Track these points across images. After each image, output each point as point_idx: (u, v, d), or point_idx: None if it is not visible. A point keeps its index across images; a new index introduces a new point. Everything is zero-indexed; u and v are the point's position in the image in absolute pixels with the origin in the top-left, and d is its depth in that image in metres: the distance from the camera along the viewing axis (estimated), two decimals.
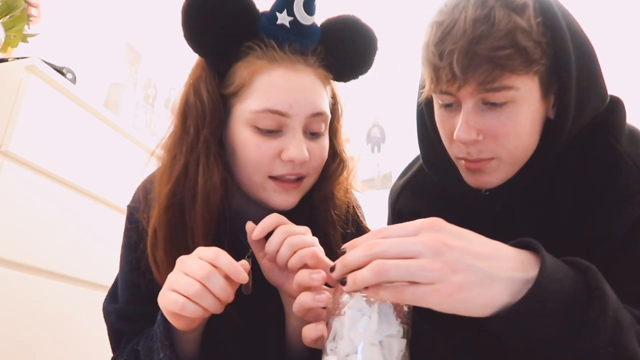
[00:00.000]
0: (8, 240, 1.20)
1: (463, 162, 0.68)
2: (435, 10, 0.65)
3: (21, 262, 1.24)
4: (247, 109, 0.67)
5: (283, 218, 0.65)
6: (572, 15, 0.67)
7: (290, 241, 0.61)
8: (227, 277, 0.57)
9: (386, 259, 0.46)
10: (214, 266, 0.56)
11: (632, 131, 0.69)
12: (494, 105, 0.62)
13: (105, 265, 1.44)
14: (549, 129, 0.67)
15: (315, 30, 0.72)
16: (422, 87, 0.70)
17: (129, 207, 0.79)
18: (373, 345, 0.47)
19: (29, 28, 1.51)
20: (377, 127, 3.05)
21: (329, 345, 0.50)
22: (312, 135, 0.71)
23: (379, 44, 0.78)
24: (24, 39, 1.49)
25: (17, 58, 1.35)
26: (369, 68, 0.79)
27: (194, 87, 0.71)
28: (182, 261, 0.59)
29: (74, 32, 2.06)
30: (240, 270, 0.57)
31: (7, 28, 1.41)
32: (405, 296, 0.45)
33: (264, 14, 0.70)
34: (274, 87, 0.67)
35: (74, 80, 1.48)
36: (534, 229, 0.70)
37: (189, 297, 0.55)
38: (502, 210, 0.73)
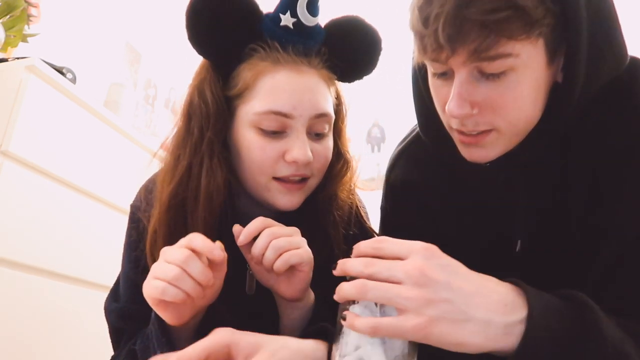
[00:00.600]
0: (8, 239, 1.20)
1: (457, 135, 0.61)
2: None
3: (21, 262, 1.24)
4: (251, 111, 0.68)
5: (269, 221, 0.65)
6: None
7: (275, 244, 0.62)
8: (211, 263, 0.59)
9: (375, 280, 0.47)
10: (194, 251, 0.57)
11: None
12: (491, 75, 0.54)
13: (105, 265, 1.44)
14: (557, 95, 0.58)
15: (319, 32, 0.72)
16: (414, 51, 0.61)
17: (131, 206, 0.79)
18: (374, 341, 0.48)
19: (29, 28, 1.51)
20: (377, 127, 3.05)
21: (335, 345, 0.51)
22: (316, 136, 0.71)
23: (383, 44, 0.77)
24: (24, 38, 1.49)
25: (17, 58, 1.35)
26: (373, 68, 0.78)
27: (198, 88, 0.71)
28: (164, 251, 0.59)
29: (74, 32, 2.06)
30: (214, 247, 0.58)
31: (7, 28, 1.41)
32: (381, 328, 0.45)
33: (267, 15, 0.69)
34: (278, 88, 0.67)
35: (74, 80, 1.48)
36: (541, 208, 0.63)
37: (169, 281, 0.56)
38: (504, 185, 0.65)
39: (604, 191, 0.58)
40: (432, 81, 0.62)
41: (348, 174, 0.79)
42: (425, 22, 0.53)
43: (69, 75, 1.45)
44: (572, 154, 0.61)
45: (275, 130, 0.67)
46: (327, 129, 0.71)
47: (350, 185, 0.80)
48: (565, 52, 0.56)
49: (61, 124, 1.37)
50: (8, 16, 1.41)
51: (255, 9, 0.69)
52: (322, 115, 0.69)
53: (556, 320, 0.45)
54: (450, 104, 0.56)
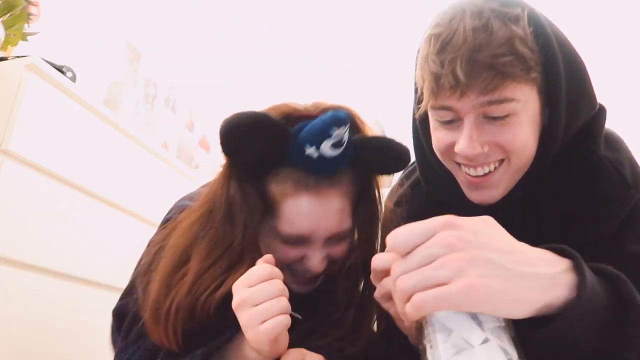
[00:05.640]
0: (8, 238, 1.20)
1: (464, 176, 0.69)
2: (432, 24, 0.66)
3: (20, 261, 1.24)
4: (276, 227, 0.73)
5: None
6: (559, 28, 0.68)
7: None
8: None
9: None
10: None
11: (607, 135, 0.72)
12: (495, 119, 0.63)
13: (106, 264, 1.44)
14: (544, 137, 0.68)
15: (341, 159, 0.72)
16: (418, 102, 0.70)
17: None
18: (464, 317, 0.42)
19: (28, 26, 1.51)
20: (378, 126, 3.05)
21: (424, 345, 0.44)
22: (337, 240, 0.75)
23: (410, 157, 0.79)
24: (23, 37, 1.48)
25: (17, 57, 1.35)
26: (399, 171, 0.82)
27: (237, 182, 0.74)
28: (250, 291, 0.61)
29: (74, 31, 2.05)
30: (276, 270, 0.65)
31: (7, 27, 1.41)
32: (427, 303, 0.41)
33: (294, 138, 0.70)
34: (300, 214, 0.71)
35: (74, 79, 1.48)
36: (534, 236, 0.69)
37: (280, 311, 0.60)
38: (503, 221, 0.72)
39: (577, 215, 0.68)
40: (436, 130, 0.70)
41: (361, 263, 0.78)
42: (442, 64, 0.61)
43: (69, 74, 1.45)
44: (550, 188, 0.70)
45: (296, 242, 0.73)
46: (345, 236, 0.76)
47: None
48: (548, 100, 0.66)
49: (61, 123, 1.37)
50: (8, 15, 1.41)
51: (281, 132, 0.71)
52: (339, 233, 0.74)
53: (599, 287, 0.46)
54: (461, 144, 0.64)
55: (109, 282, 1.43)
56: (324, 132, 0.69)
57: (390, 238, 0.46)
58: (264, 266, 0.63)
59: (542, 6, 0.69)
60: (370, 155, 0.74)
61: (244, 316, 0.60)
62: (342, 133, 0.69)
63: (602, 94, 0.74)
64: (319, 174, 0.72)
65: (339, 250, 0.76)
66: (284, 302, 0.60)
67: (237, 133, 0.70)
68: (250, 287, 0.61)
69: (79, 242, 1.40)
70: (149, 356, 0.70)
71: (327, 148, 0.69)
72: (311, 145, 0.69)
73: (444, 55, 0.61)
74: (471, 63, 0.60)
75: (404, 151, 0.75)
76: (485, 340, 0.41)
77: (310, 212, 0.72)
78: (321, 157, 0.70)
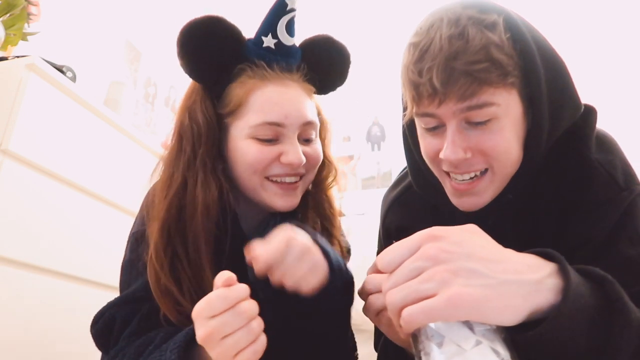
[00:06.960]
0: (8, 238, 1.20)
1: (450, 183, 0.69)
2: (411, 33, 0.67)
3: (21, 260, 1.24)
4: (246, 124, 0.75)
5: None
6: (539, 32, 0.68)
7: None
8: None
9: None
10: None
11: (599, 137, 0.71)
12: (478, 124, 0.63)
13: (106, 263, 1.44)
14: (528, 141, 0.68)
15: (296, 50, 0.81)
16: (405, 109, 0.71)
17: (134, 233, 0.83)
18: (452, 324, 0.43)
19: (28, 26, 1.51)
20: (377, 126, 3.05)
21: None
22: (305, 141, 0.80)
23: (351, 58, 0.87)
24: (24, 37, 1.49)
25: (17, 56, 1.35)
26: (345, 79, 0.88)
27: (188, 110, 0.79)
28: (216, 323, 0.54)
29: (74, 31, 2.05)
30: (242, 288, 0.58)
31: (7, 26, 1.41)
32: (417, 317, 0.42)
33: (249, 39, 0.78)
34: (269, 102, 0.75)
35: (74, 79, 1.48)
36: (525, 239, 0.69)
37: (254, 340, 0.54)
38: (494, 225, 0.71)
39: (568, 219, 0.67)
40: (422, 136, 0.70)
41: (332, 176, 0.88)
42: (419, 74, 0.62)
43: (69, 74, 1.45)
44: (541, 190, 0.70)
45: (271, 138, 0.75)
46: (314, 135, 0.81)
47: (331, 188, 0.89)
48: (530, 104, 0.66)
49: (61, 123, 1.37)
50: (8, 15, 1.41)
51: (238, 34, 0.78)
52: (309, 123, 0.78)
53: (585, 288, 0.46)
54: (445, 151, 0.64)
55: (109, 282, 1.43)
56: (279, 10, 0.75)
57: (379, 260, 0.49)
58: (223, 293, 0.54)
59: (528, 11, 0.69)
60: (315, 50, 0.83)
61: (215, 352, 0.53)
62: (294, 2, 0.76)
63: (597, 95, 0.73)
64: (279, 62, 0.77)
65: (311, 151, 0.79)
66: (255, 329, 0.54)
67: (194, 34, 0.75)
68: (214, 317, 0.53)
69: (79, 242, 1.40)
70: (137, 351, 0.69)
71: (282, 32, 0.77)
72: (267, 34, 0.77)
73: (421, 64, 0.62)
74: (447, 71, 0.60)
75: (342, 44, 0.85)
76: (477, 343, 0.42)
77: (279, 98, 0.75)
78: (279, 45, 0.77)
